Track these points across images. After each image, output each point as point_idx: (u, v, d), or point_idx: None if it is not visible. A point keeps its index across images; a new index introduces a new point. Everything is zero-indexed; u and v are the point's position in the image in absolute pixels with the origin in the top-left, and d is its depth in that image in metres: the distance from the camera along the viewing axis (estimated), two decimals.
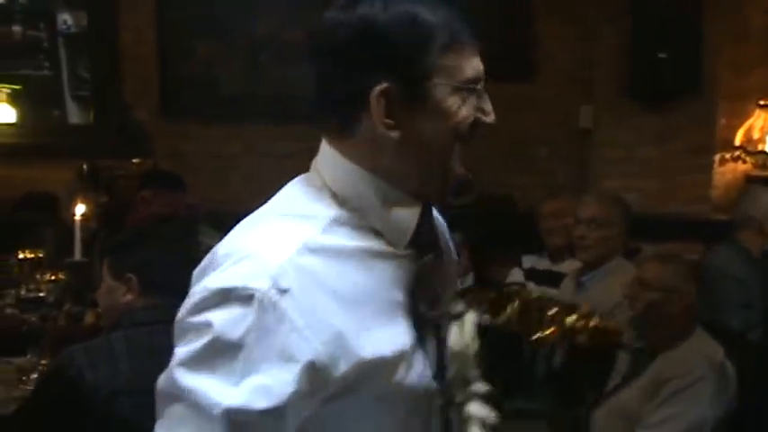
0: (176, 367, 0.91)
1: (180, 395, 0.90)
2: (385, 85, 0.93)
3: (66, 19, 4.92)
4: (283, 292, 0.89)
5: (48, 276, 2.58)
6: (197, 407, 0.88)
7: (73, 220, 2.66)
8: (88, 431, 1.69)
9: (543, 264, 3.25)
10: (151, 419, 1.73)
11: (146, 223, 2.87)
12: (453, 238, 1.17)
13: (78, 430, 1.70)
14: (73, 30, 4.83)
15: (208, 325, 0.89)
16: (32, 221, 3.41)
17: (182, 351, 0.91)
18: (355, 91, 0.94)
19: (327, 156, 0.99)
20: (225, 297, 0.89)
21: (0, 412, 2.16)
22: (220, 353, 0.88)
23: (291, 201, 1.00)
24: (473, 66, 0.96)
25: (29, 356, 2.43)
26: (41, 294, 2.51)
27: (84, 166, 4.03)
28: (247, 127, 4.56)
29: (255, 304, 0.88)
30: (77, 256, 2.62)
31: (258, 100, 4.54)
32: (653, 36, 4.00)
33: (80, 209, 2.69)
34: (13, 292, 2.56)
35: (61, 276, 2.60)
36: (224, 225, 3.46)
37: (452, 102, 0.95)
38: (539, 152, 4.56)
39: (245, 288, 0.89)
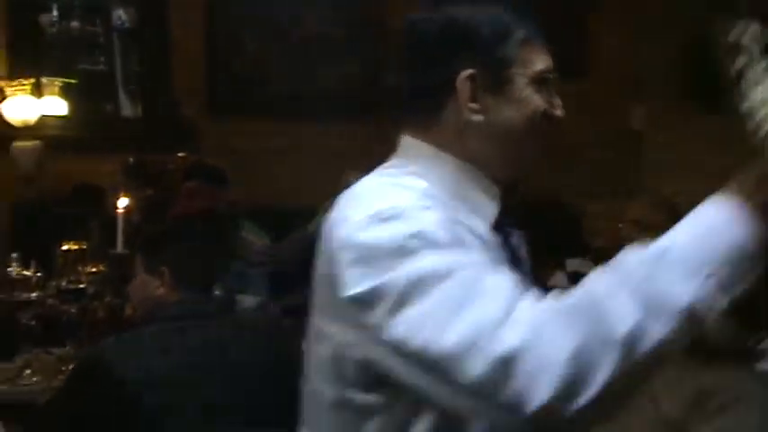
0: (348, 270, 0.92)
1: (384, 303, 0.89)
2: (471, 70, 1.02)
3: (120, 15, 5.01)
4: (427, 207, 0.94)
5: (89, 268, 2.60)
6: (410, 282, 0.88)
7: (116, 213, 2.69)
8: (118, 424, 1.69)
9: (588, 267, 3.16)
10: (181, 414, 1.74)
11: (185, 217, 2.88)
12: None
13: (108, 422, 1.70)
14: (127, 25, 4.92)
15: (367, 245, 0.92)
16: (80, 213, 3.47)
17: (350, 283, 0.92)
18: (443, 78, 1.03)
19: (411, 146, 1.06)
20: (375, 219, 0.93)
21: (39, 401, 2.19)
22: (394, 257, 0.90)
23: (384, 175, 1.05)
24: (544, 60, 1.06)
25: (68, 347, 2.47)
26: (81, 286, 2.54)
27: (130, 160, 4.09)
28: (295, 124, 4.56)
29: (408, 215, 0.93)
30: (119, 248, 2.64)
31: (306, 97, 4.55)
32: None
33: (123, 201, 2.71)
34: (54, 283, 2.59)
35: (102, 268, 2.62)
36: (269, 222, 3.46)
37: (528, 92, 1.03)
38: (590, 153, 4.46)
39: (393, 207, 0.94)
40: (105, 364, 1.72)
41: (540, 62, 1.05)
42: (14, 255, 2.74)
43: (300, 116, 4.51)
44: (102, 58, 5.03)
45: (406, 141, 1.07)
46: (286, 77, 4.58)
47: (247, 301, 3.02)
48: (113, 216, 2.78)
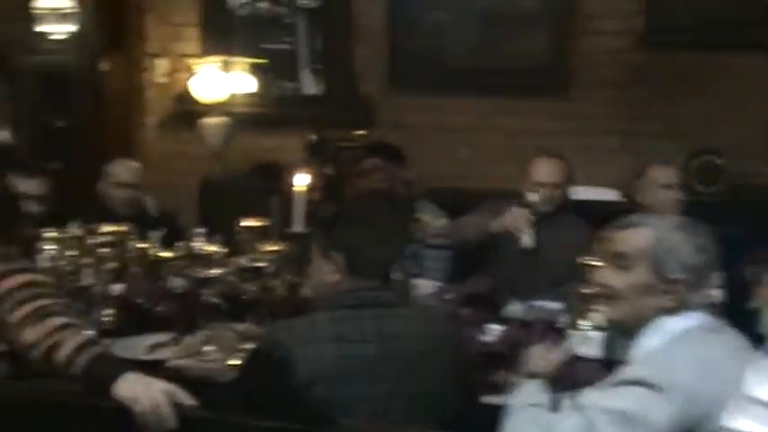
0: None
1: None
2: None
3: None
4: None
5: (268, 246, 2.58)
6: None
7: (292, 191, 2.65)
8: (289, 412, 1.62)
9: None
10: (352, 407, 1.65)
11: (362, 198, 2.81)
12: None
13: (280, 410, 1.64)
14: (311, 4, 4.95)
15: None
16: (261, 190, 3.50)
17: None
18: None
19: None
20: None
21: (218, 377, 2.20)
22: None
23: None
24: None
25: (248, 324, 2.46)
26: (261, 264, 2.52)
27: (312, 137, 4.09)
28: (476, 100, 4.40)
29: None
30: (296, 226, 2.61)
31: (489, 73, 4.36)
32: None
33: (300, 179, 2.67)
34: (235, 260, 2.60)
35: (281, 247, 2.60)
36: (445, 203, 3.30)
37: None
38: None
39: None
40: (276, 351, 1.65)
41: None
42: (198, 230, 2.79)
43: (483, 92, 4.33)
44: (286, 38, 5.10)
45: None
46: (469, 52, 4.41)
47: (424, 285, 2.90)
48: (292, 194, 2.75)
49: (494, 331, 2.50)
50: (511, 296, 2.86)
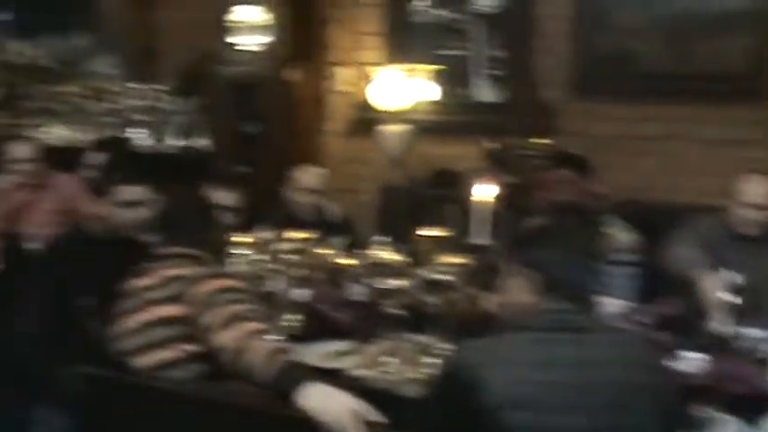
0: None
1: None
2: None
3: None
4: None
5: (451, 258, 2.52)
6: None
7: (472, 200, 2.59)
8: None
9: None
10: None
11: (549, 211, 2.69)
12: None
13: None
14: (492, 10, 4.88)
15: None
16: (440, 198, 3.47)
17: None
18: None
19: None
20: None
21: (397, 392, 2.16)
22: None
23: None
24: None
25: (427, 337, 2.42)
26: (444, 277, 2.46)
27: (492, 145, 4.01)
28: (667, 107, 4.13)
29: None
30: (478, 238, 2.54)
31: (681, 78, 4.09)
32: None
33: (481, 188, 2.60)
34: (418, 271, 2.56)
35: (465, 260, 2.53)
36: (634, 217, 3.09)
37: None
38: None
39: None
40: (464, 372, 1.59)
41: None
42: (380, 238, 2.78)
43: (676, 99, 4.06)
44: (462, 44, 5.06)
45: None
46: (661, 55, 4.15)
47: (610, 305, 2.73)
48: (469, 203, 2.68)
49: (689, 359, 2.30)
50: (708, 320, 2.63)
